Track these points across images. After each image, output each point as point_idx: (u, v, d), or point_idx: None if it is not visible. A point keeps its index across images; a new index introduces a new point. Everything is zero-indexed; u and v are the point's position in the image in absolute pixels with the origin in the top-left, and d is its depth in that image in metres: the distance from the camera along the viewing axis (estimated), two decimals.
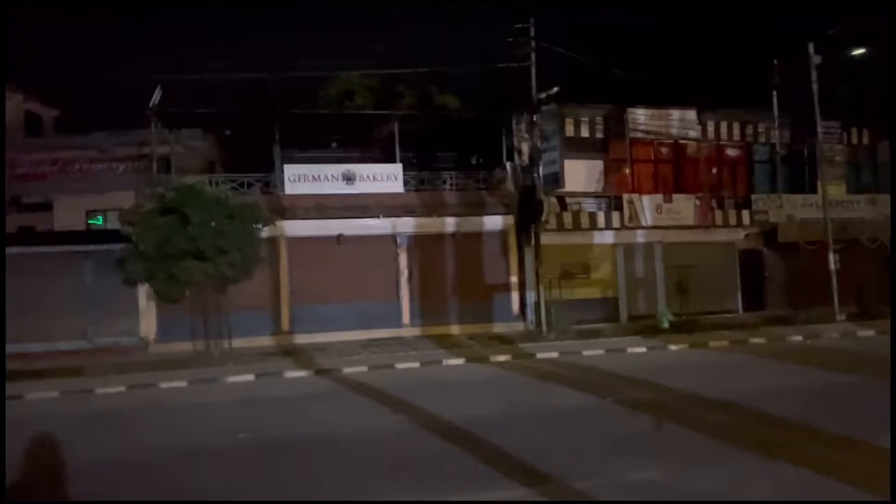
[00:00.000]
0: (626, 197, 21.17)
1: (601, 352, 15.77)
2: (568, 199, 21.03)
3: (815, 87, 20.64)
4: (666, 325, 19.13)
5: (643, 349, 16.19)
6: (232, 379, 13.73)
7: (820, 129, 21.22)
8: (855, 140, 24.22)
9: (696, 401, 9.75)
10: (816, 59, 20.48)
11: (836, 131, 23.21)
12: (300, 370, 14.48)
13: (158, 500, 6.38)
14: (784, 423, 8.14)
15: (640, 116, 21.67)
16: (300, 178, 19.28)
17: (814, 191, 22.39)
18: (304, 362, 15.28)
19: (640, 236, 21.39)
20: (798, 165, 23.29)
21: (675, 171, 22.24)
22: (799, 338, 17.03)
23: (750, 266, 22.38)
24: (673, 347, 16.35)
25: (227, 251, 14.86)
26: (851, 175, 24.16)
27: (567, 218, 20.76)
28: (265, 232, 16.35)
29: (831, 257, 20.17)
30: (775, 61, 22.33)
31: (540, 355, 15.39)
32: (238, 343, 16.38)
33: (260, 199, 17.80)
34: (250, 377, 13.92)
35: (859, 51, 21.30)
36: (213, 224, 14.64)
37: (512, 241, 20.26)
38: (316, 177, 19.39)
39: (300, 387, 12.94)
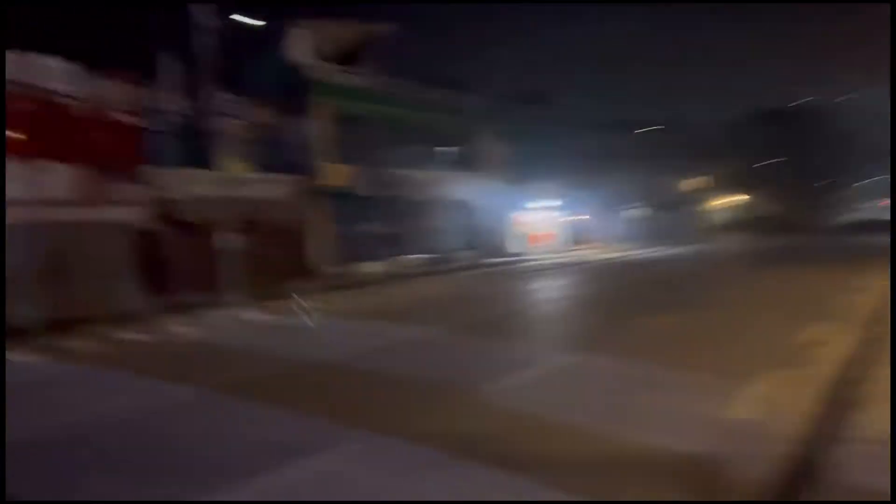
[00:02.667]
0: None
1: None
2: None
3: (211, 55, 19.15)
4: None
5: None
6: None
7: (221, 102, 19.94)
8: (261, 118, 23.89)
9: None
10: (213, 24, 18.93)
11: (240, 106, 22.36)
12: None
13: None
14: None
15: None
16: None
17: (216, 167, 21.13)
18: None
19: None
20: (199, 138, 21.74)
21: (49, 133, 18.02)
22: (184, 329, 15.29)
23: (147, 249, 19.81)
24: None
25: None
26: (256, 153, 23.80)
27: None
28: None
29: (229, 238, 19.11)
30: (174, 23, 20.24)
31: None
32: None
33: None
34: None
35: (259, 23, 20.74)
36: None
37: None
38: None
39: None
